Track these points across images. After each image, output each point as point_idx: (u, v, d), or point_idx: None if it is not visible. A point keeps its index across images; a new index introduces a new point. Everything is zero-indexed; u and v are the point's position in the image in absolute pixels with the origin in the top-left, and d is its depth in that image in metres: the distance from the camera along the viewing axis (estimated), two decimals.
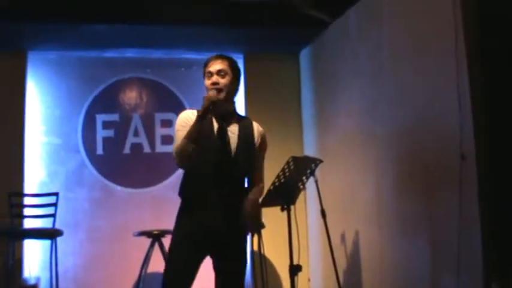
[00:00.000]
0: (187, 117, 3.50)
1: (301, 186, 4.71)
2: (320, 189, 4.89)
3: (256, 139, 3.65)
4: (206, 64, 3.57)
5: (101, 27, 5.97)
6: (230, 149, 3.50)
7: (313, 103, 6.62)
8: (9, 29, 5.96)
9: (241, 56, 6.98)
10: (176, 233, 3.49)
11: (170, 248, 3.48)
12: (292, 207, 4.61)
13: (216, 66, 3.51)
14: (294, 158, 4.45)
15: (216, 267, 3.53)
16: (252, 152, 3.61)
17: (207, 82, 3.51)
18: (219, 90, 3.45)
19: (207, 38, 6.41)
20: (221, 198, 3.43)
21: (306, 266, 5.85)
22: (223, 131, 3.50)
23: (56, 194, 6.22)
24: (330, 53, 6.10)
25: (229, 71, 3.52)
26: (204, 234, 3.40)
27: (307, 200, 6.46)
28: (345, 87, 5.64)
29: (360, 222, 5.24)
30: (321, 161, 4.78)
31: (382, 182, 4.82)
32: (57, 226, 6.12)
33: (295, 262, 4.58)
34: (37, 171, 6.61)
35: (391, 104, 4.63)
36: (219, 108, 3.44)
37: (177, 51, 6.66)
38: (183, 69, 6.95)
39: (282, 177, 4.41)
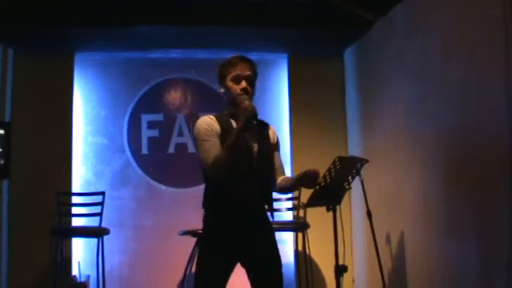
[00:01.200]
0: (210, 125, 3.28)
1: (347, 186, 4.68)
2: (365, 189, 4.85)
3: (272, 140, 3.51)
4: (232, 65, 3.33)
5: (146, 29, 6.04)
6: (255, 158, 3.33)
7: (358, 103, 6.58)
8: (57, 32, 6.07)
9: (285, 56, 6.99)
10: (206, 245, 3.32)
11: (201, 261, 3.29)
12: (337, 207, 4.60)
13: (246, 71, 3.31)
14: (340, 158, 4.42)
15: (250, 275, 3.35)
16: (271, 157, 3.48)
17: (235, 87, 3.28)
18: (249, 97, 3.26)
19: (252, 39, 6.43)
20: (251, 208, 3.31)
21: (351, 267, 5.81)
22: (249, 142, 3.32)
23: (103, 193, 6.31)
24: (375, 53, 6.05)
25: (255, 79, 3.35)
26: (234, 245, 3.26)
27: (352, 200, 6.42)
28: (390, 87, 5.59)
29: (406, 223, 5.19)
30: (367, 161, 4.74)
31: (429, 183, 4.76)
32: (103, 225, 6.21)
33: (340, 262, 4.56)
34: (84, 171, 6.72)
35: (439, 103, 4.57)
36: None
37: (222, 52, 6.63)
38: None
39: (327, 177, 4.39)
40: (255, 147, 3.36)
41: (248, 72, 3.31)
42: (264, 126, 3.51)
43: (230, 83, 3.32)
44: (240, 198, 3.27)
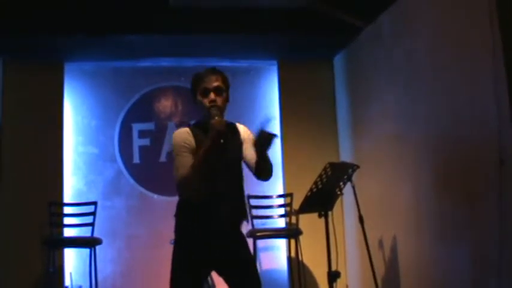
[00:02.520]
0: (185, 140, 3.32)
1: (339, 192, 4.70)
2: (357, 194, 4.86)
3: (243, 141, 3.53)
4: (200, 79, 3.36)
5: (136, 38, 6.06)
6: (225, 172, 3.38)
7: (348, 108, 6.60)
8: (47, 42, 6.07)
9: (275, 63, 7.01)
10: (179, 253, 3.36)
11: (173, 270, 3.34)
12: (329, 213, 4.61)
13: (214, 83, 3.33)
14: (331, 164, 4.44)
15: (226, 279, 3.42)
16: (240, 161, 3.51)
17: (204, 100, 3.32)
18: (219, 109, 3.31)
19: (241, 46, 6.46)
20: (224, 215, 3.35)
21: (344, 273, 5.82)
22: (226, 152, 3.35)
23: (95, 203, 6.29)
24: (364, 58, 6.08)
25: (224, 88, 3.37)
26: (208, 252, 3.31)
27: (344, 206, 6.43)
28: (380, 92, 5.62)
29: (397, 228, 5.20)
30: (358, 167, 4.76)
31: (420, 187, 4.78)
32: (95, 235, 6.19)
33: (333, 268, 4.57)
34: (75, 181, 6.70)
35: (428, 108, 4.60)
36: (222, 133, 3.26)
37: (211, 60, 6.67)
38: None
39: (319, 183, 4.40)
40: (224, 159, 3.38)
41: (215, 84, 3.34)
42: (234, 132, 3.53)
43: (200, 97, 3.36)
44: (214, 214, 3.32)
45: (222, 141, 3.23)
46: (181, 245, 3.37)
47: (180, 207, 3.43)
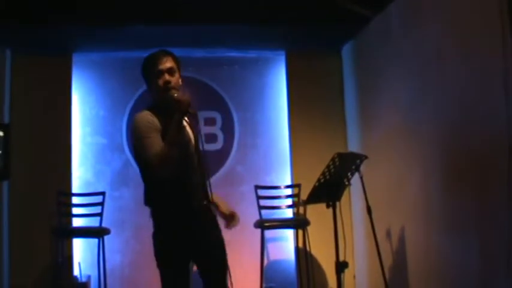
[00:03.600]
0: (150, 121, 3.28)
1: (347, 183, 4.70)
2: (365, 185, 4.85)
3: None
4: (153, 62, 3.38)
5: (144, 28, 6.03)
6: (195, 150, 3.43)
7: (356, 99, 6.58)
8: (55, 33, 6.07)
9: (283, 53, 6.99)
10: (160, 242, 3.40)
11: (158, 263, 3.39)
12: (337, 203, 4.61)
13: (166, 64, 3.36)
14: (340, 155, 4.43)
15: (200, 268, 3.46)
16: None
17: (158, 81, 3.33)
18: (173, 89, 3.32)
19: (249, 36, 6.44)
20: (199, 203, 3.40)
21: (351, 263, 5.79)
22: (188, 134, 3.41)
23: (103, 194, 6.32)
24: (373, 49, 6.05)
25: (176, 69, 3.40)
26: (188, 240, 3.35)
27: (352, 197, 6.43)
28: (388, 83, 5.59)
29: (405, 218, 5.19)
30: (366, 157, 4.74)
31: (428, 178, 4.76)
32: (103, 225, 6.22)
33: (341, 259, 4.57)
34: (83, 171, 6.72)
35: (437, 99, 4.57)
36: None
37: (220, 50, 6.69)
38: (225, 67, 6.98)
39: (327, 173, 4.40)
40: (192, 139, 3.44)
41: (168, 65, 3.37)
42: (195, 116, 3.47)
43: (154, 80, 3.37)
44: (187, 192, 3.35)
45: (191, 112, 3.26)
46: (163, 231, 3.39)
47: (150, 192, 3.46)
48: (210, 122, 6.88)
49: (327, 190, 4.51)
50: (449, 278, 4.40)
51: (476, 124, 4.01)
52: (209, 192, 3.48)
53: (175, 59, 3.43)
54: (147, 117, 3.31)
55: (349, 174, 4.66)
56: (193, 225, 3.35)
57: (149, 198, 3.46)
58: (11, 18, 5.69)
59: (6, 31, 5.92)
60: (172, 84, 3.33)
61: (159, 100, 3.40)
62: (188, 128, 3.45)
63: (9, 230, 6.22)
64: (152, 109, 3.39)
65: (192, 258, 3.46)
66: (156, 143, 3.22)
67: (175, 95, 3.27)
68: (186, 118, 3.34)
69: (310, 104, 6.81)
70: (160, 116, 3.31)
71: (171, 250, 3.36)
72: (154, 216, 3.44)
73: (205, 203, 3.44)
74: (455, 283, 4.29)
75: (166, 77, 3.33)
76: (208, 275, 3.45)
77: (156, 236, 3.41)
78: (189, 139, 3.44)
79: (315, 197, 4.53)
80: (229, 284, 3.43)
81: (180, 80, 3.42)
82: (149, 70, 3.40)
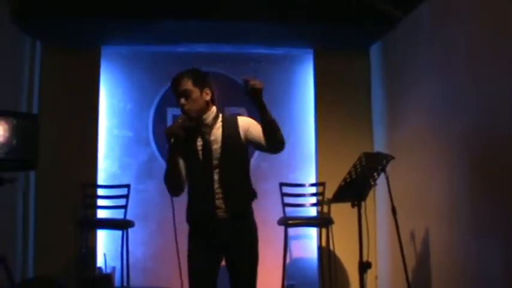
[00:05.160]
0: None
1: (372, 183, 4.67)
2: (390, 186, 4.82)
3: (240, 130, 3.55)
4: (172, 84, 3.54)
5: (173, 23, 6.05)
6: (212, 157, 3.48)
7: (384, 99, 6.54)
8: (84, 25, 6.10)
9: (311, 51, 6.97)
10: (190, 243, 3.56)
11: (188, 257, 3.53)
12: (362, 203, 4.58)
13: (180, 86, 3.47)
14: (366, 154, 4.42)
15: (229, 271, 3.54)
16: (238, 148, 3.54)
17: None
18: (187, 112, 3.45)
19: (278, 34, 6.41)
20: (223, 205, 3.44)
21: (374, 263, 5.77)
22: (205, 146, 3.49)
23: (128, 186, 6.36)
24: (402, 49, 6.01)
25: (192, 87, 3.47)
26: (215, 247, 3.46)
27: (377, 197, 6.40)
28: (416, 83, 5.55)
29: (430, 220, 5.15)
30: (392, 158, 4.72)
31: (454, 180, 4.71)
32: (128, 217, 6.26)
33: (364, 259, 4.55)
34: (109, 164, 6.77)
35: (466, 101, 4.52)
36: (190, 129, 3.47)
37: (248, 46, 6.68)
38: (251, 64, 6.97)
39: (353, 173, 4.38)
40: (217, 144, 3.50)
41: (181, 88, 3.47)
42: (233, 121, 3.60)
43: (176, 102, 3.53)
44: (199, 204, 3.50)
45: (172, 140, 3.43)
46: (191, 239, 3.57)
47: (187, 209, 3.64)
48: None
49: (353, 189, 4.49)
50: (473, 280, 4.36)
51: (503, 125, 3.97)
52: (237, 200, 3.51)
53: (195, 79, 3.51)
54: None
55: (375, 174, 4.63)
56: (215, 237, 3.45)
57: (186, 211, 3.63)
58: (41, 10, 5.75)
59: (37, 23, 5.99)
60: (187, 107, 3.46)
61: None
62: (200, 144, 3.52)
63: (35, 220, 6.30)
64: None
65: (219, 262, 3.53)
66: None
67: (178, 121, 3.44)
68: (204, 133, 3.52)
69: (337, 103, 6.78)
70: (186, 134, 3.51)
71: (195, 259, 3.49)
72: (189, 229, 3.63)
73: (225, 215, 3.46)
74: (480, 286, 4.25)
75: (181, 100, 3.47)
76: (237, 278, 3.53)
77: (188, 239, 3.58)
78: (193, 157, 3.52)
79: (340, 195, 4.52)
80: None
81: (199, 99, 3.50)
82: (172, 91, 3.57)
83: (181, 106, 3.46)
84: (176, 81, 3.49)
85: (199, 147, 3.49)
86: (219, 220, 3.43)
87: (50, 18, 5.87)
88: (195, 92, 3.47)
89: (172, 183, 3.53)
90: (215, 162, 3.46)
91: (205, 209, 3.45)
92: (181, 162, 3.52)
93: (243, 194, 3.55)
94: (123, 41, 6.75)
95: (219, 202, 3.44)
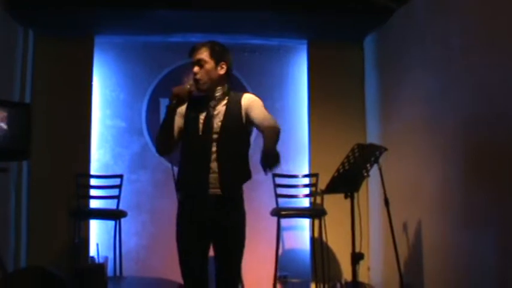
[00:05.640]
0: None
1: (366, 174, 4.68)
2: (383, 177, 4.83)
3: (242, 109, 3.56)
4: (189, 54, 3.61)
5: (167, 13, 6.03)
6: (212, 132, 3.49)
7: (377, 90, 6.55)
8: (77, 14, 6.07)
9: (305, 42, 6.96)
10: (178, 226, 3.56)
11: (177, 240, 3.55)
12: (355, 194, 4.60)
13: (195, 56, 3.55)
14: (359, 146, 4.43)
15: (214, 255, 3.56)
16: (239, 127, 3.55)
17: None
18: (197, 81, 3.50)
19: (271, 24, 6.40)
20: (216, 181, 3.45)
21: (367, 255, 5.76)
22: (207, 119, 3.51)
23: (121, 176, 6.36)
24: (396, 40, 6.01)
25: (208, 59, 3.52)
26: (203, 225, 3.46)
27: (370, 188, 6.40)
28: (411, 75, 5.55)
29: (423, 212, 5.16)
30: (385, 149, 4.73)
31: (448, 172, 4.72)
32: (120, 207, 6.27)
33: (357, 250, 4.57)
34: (102, 154, 6.76)
35: (460, 92, 4.52)
36: (196, 98, 3.52)
37: (241, 37, 6.66)
38: (246, 54, 6.96)
39: (346, 164, 4.39)
40: (219, 119, 3.52)
41: (197, 57, 3.54)
42: (238, 99, 3.61)
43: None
44: (193, 178, 3.48)
45: (174, 102, 3.45)
46: (181, 215, 3.57)
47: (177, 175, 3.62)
48: None
49: (346, 181, 4.50)
50: (466, 273, 4.38)
51: (498, 118, 3.97)
52: (231, 178, 3.51)
53: (210, 50, 3.55)
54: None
55: (368, 165, 4.65)
56: (203, 210, 3.46)
57: (175, 181, 3.60)
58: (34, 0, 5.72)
59: (29, 12, 5.95)
60: (199, 76, 3.51)
61: None
62: (202, 117, 3.53)
63: (28, 210, 6.29)
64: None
65: (207, 241, 3.53)
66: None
67: (182, 86, 3.50)
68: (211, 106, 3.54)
69: (331, 94, 6.79)
70: (191, 102, 3.56)
71: (185, 234, 3.50)
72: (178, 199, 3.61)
73: (219, 191, 3.46)
74: (472, 278, 4.27)
75: (194, 68, 3.53)
76: (221, 257, 3.55)
77: (177, 218, 3.58)
78: (210, 126, 3.50)
79: (333, 187, 4.53)
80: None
81: (215, 71, 3.54)
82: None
83: (194, 74, 3.51)
84: (193, 49, 3.57)
85: (201, 120, 3.51)
86: (209, 195, 3.43)
87: (42, 7, 5.83)
88: (210, 63, 3.52)
89: (162, 142, 3.56)
90: (214, 136, 3.48)
91: (197, 181, 3.44)
92: (176, 127, 3.55)
93: (237, 172, 3.55)
94: (117, 30, 6.72)
95: (212, 177, 3.44)
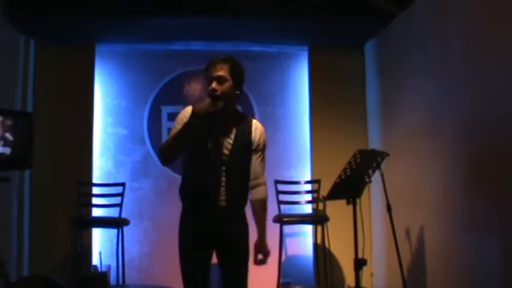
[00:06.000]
0: (185, 115, 3.43)
1: (367, 180, 4.68)
2: (385, 183, 4.83)
3: (253, 138, 3.55)
4: (209, 66, 3.45)
5: (167, 21, 6.04)
6: (222, 153, 3.45)
7: (378, 96, 6.55)
8: (78, 23, 6.09)
9: (305, 48, 6.96)
10: (181, 235, 3.52)
11: (179, 252, 3.50)
12: (357, 200, 4.59)
13: (215, 71, 3.40)
14: (361, 151, 4.42)
15: (220, 266, 3.53)
16: (248, 153, 3.54)
17: (208, 87, 3.42)
18: (217, 98, 3.34)
19: (272, 31, 6.41)
20: (221, 200, 3.42)
21: (369, 260, 5.75)
22: (217, 138, 3.47)
23: (123, 184, 6.36)
24: (397, 45, 6.01)
25: (228, 77, 3.41)
26: (207, 235, 3.43)
27: (372, 194, 6.40)
28: (412, 80, 5.55)
29: (425, 217, 5.16)
30: (387, 154, 4.73)
31: (450, 176, 4.72)
32: (123, 215, 6.26)
33: (359, 256, 4.56)
34: (104, 162, 6.76)
35: (461, 97, 4.53)
36: (212, 118, 3.36)
37: (242, 44, 6.66)
38: (246, 61, 6.94)
39: (348, 170, 4.39)
40: (229, 142, 3.48)
41: (217, 73, 3.40)
42: (248, 125, 3.59)
43: (207, 83, 3.46)
44: (203, 191, 3.43)
45: (193, 120, 3.33)
46: (184, 225, 3.52)
47: (181, 184, 3.58)
48: None
49: (348, 187, 4.50)
50: (469, 278, 4.37)
51: (498, 122, 3.97)
52: (237, 194, 3.51)
53: (233, 69, 3.45)
54: (185, 111, 3.49)
55: (370, 171, 4.64)
56: (209, 222, 3.42)
57: (179, 189, 3.57)
58: (35, 8, 5.73)
59: (30, 21, 5.97)
60: (219, 93, 3.36)
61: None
62: (229, 130, 3.51)
63: (30, 218, 6.29)
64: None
65: (210, 252, 3.50)
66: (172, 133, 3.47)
67: (197, 107, 3.34)
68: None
69: (332, 100, 6.79)
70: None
71: (188, 245, 3.46)
72: (182, 208, 3.57)
73: (225, 204, 3.44)
74: (476, 283, 4.26)
75: (214, 84, 3.38)
76: (229, 271, 3.51)
77: (179, 229, 3.53)
78: (220, 143, 3.48)
79: (335, 193, 4.52)
80: None
81: (233, 90, 3.45)
82: (205, 73, 3.48)
83: (212, 90, 3.36)
84: (213, 64, 3.44)
85: (215, 134, 3.46)
86: (218, 207, 3.41)
87: (44, 16, 5.86)
88: (229, 82, 3.42)
89: (171, 154, 3.44)
90: (225, 152, 3.45)
91: (206, 194, 3.41)
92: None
93: (244, 188, 3.54)
94: (118, 38, 6.73)
95: (222, 190, 3.42)
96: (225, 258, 3.51)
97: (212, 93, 3.35)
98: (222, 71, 3.40)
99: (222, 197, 3.43)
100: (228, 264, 3.51)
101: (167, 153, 3.44)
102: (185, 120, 3.38)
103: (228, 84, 3.41)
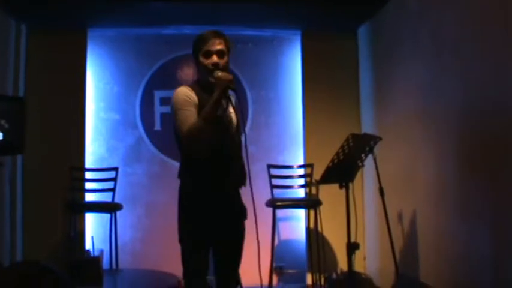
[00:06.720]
0: (188, 95, 3.37)
1: (360, 164, 4.68)
2: (378, 167, 4.84)
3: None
4: (203, 41, 3.42)
5: (159, 5, 6.00)
6: (234, 132, 3.50)
7: (371, 81, 6.55)
8: (70, 8, 6.04)
9: (298, 33, 6.94)
10: (183, 218, 3.48)
11: (182, 238, 3.49)
12: (350, 184, 4.60)
13: (216, 46, 3.40)
14: (354, 135, 4.42)
15: (216, 248, 3.54)
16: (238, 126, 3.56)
17: (206, 61, 3.38)
18: (223, 70, 3.36)
19: (265, 15, 6.38)
20: (230, 187, 3.49)
21: (362, 244, 5.77)
22: (228, 113, 3.48)
23: (116, 169, 6.35)
24: (389, 30, 6.01)
25: (226, 51, 3.43)
26: (207, 223, 3.41)
27: (365, 178, 6.42)
28: (404, 65, 5.55)
29: (418, 201, 5.18)
30: (380, 139, 4.73)
31: (442, 162, 4.73)
32: (116, 200, 6.27)
33: (352, 240, 4.57)
34: (97, 147, 6.75)
35: (453, 82, 4.53)
36: (228, 87, 3.33)
37: (235, 28, 6.63)
38: (238, 45, 6.94)
39: (341, 154, 4.39)
40: (234, 121, 3.52)
41: (218, 47, 3.41)
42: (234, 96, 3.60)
43: (202, 58, 3.42)
44: (220, 173, 3.41)
45: (230, 92, 3.38)
46: (189, 210, 3.45)
47: (185, 166, 3.49)
48: None
49: (341, 170, 4.50)
50: (461, 261, 4.39)
51: (492, 108, 3.98)
52: (245, 178, 3.54)
53: (227, 43, 3.47)
54: (186, 91, 3.41)
55: (362, 155, 4.64)
56: (218, 208, 3.41)
57: (182, 172, 3.51)
58: None
59: (21, 6, 5.92)
60: (221, 66, 3.37)
61: (203, 78, 3.46)
62: (232, 110, 3.52)
63: (23, 204, 6.28)
64: (194, 85, 3.48)
65: (211, 238, 3.49)
66: (190, 117, 3.31)
67: (219, 73, 3.31)
68: (231, 99, 3.48)
69: (325, 85, 6.78)
70: (201, 93, 3.40)
71: (193, 228, 3.43)
72: (182, 191, 3.50)
73: (236, 188, 3.49)
74: (467, 267, 4.29)
75: (215, 58, 3.38)
76: (222, 259, 3.55)
77: (180, 212, 3.49)
78: (230, 119, 3.50)
79: (328, 177, 4.52)
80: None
81: (228, 63, 3.47)
82: (199, 48, 3.43)
83: (215, 64, 3.36)
84: (214, 38, 3.42)
85: (228, 114, 3.48)
86: (241, 166, 3.48)
87: (35, 1, 5.81)
88: (226, 55, 3.45)
89: (204, 139, 3.28)
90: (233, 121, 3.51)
91: (230, 154, 3.44)
92: (194, 118, 3.32)
93: (242, 168, 3.55)
94: (110, 23, 6.69)
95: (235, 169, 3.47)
96: (224, 237, 3.50)
97: (216, 67, 3.35)
98: (221, 45, 3.41)
99: (233, 180, 3.48)
100: (226, 243, 3.52)
101: (199, 135, 3.24)
102: (191, 97, 3.35)
103: (226, 58, 3.43)
